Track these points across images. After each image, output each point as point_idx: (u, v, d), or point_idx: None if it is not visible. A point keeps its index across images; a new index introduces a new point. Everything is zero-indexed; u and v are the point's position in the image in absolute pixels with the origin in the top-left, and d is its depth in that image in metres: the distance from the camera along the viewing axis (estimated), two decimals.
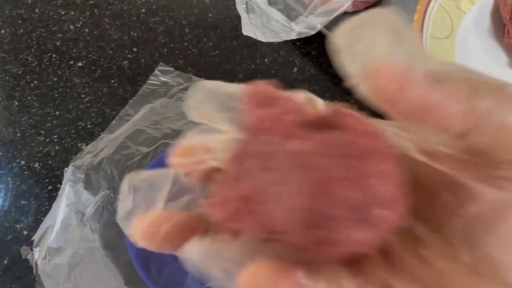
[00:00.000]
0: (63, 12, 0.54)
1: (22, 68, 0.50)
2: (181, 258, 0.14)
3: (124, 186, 0.17)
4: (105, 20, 0.53)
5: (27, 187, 0.42)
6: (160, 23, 0.52)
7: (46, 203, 0.41)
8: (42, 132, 0.45)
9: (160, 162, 0.37)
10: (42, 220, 0.38)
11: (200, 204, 0.17)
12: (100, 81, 0.48)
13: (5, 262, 0.39)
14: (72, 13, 0.54)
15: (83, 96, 0.48)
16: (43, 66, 0.50)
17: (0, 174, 0.43)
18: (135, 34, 0.51)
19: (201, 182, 0.17)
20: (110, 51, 0.50)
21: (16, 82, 0.49)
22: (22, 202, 0.42)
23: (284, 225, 0.13)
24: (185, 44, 0.50)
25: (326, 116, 0.15)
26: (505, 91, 0.12)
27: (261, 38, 0.45)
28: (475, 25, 0.45)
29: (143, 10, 0.53)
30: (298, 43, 0.49)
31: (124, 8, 0.54)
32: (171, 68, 0.47)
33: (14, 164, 0.44)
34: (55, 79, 0.49)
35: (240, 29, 0.46)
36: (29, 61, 0.50)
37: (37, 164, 0.43)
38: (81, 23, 0.53)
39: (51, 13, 0.54)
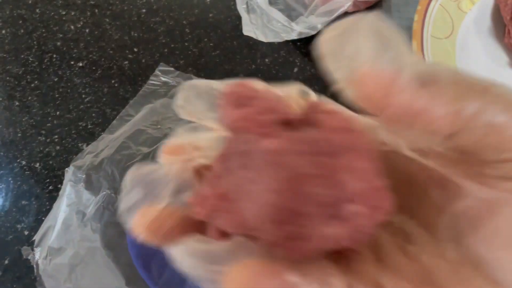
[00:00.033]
0: (64, 12, 0.54)
1: (23, 68, 0.50)
2: (170, 258, 0.15)
3: (128, 179, 0.17)
4: (106, 20, 0.53)
5: (28, 187, 0.42)
6: (161, 23, 0.52)
7: (47, 203, 0.41)
8: (43, 132, 0.45)
9: None
10: (43, 220, 0.38)
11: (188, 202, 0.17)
12: (101, 81, 0.48)
13: (6, 262, 0.39)
14: (72, 13, 0.54)
15: (83, 96, 0.48)
16: (43, 66, 0.50)
17: (1, 174, 0.43)
18: (135, 34, 0.52)
19: (192, 179, 0.18)
20: (111, 51, 0.50)
21: (16, 82, 0.49)
22: (23, 202, 0.42)
23: (255, 222, 0.13)
24: (186, 44, 0.50)
25: (303, 114, 0.15)
26: (492, 92, 0.12)
27: (262, 38, 0.45)
28: (476, 25, 0.45)
29: (144, 10, 0.53)
30: (298, 43, 0.49)
31: (125, 8, 0.54)
32: (172, 68, 0.47)
33: (15, 164, 0.44)
34: (56, 79, 0.49)
35: (241, 29, 0.46)
36: (29, 61, 0.50)
37: (38, 164, 0.44)
38: (81, 23, 0.53)
39: (52, 13, 0.54)
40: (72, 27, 0.53)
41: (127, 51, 0.50)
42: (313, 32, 0.44)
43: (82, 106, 0.47)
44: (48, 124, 0.46)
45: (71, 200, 0.37)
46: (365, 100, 0.13)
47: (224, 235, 0.15)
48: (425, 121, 0.12)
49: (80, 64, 0.50)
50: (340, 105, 0.17)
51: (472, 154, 0.13)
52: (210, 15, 0.52)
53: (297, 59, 0.48)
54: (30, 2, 0.55)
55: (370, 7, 0.49)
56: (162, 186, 0.17)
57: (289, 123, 0.15)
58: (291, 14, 0.46)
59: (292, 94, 0.17)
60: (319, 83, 0.47)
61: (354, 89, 0.13)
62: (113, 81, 0.48)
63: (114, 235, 0.36)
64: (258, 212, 0.13)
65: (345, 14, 0.46)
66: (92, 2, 0.54)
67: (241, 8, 0.46)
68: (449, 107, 0.12)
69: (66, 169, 0.39)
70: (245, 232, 0.14)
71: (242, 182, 0.14)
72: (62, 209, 0.37)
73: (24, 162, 0.44)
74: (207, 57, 0.49)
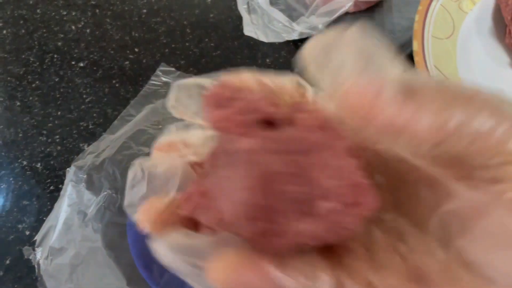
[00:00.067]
0: (65, 13, 0.54)
1: (24, 69, 0.50)
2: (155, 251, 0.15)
3: (133, 172, 0.17)
4: (107, 21, 0.53)
5: (29, 187, 0.42)
6: (162, 24, 0.52)
7: (48, 203, 0.41)
8: (44, 132, 0.45)
9: None
10: (44, 220, 0.38)
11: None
12: (102, 81, 0.49)
13: (7, 262, 0.39)
14: (73, 13, 0.54)
15: (84, 96, 0.48)
16: (44, 67, 0.50)
17: (2, 174, 0.43)
18: (136, 35, 0.52)
19: (193, 175, 0.18)
20: (112, 52, 0.51)
21: (18, 83, 0.49)
22: (24, 202, 0.42)
23: (230, 219, 0.14)
24: (187, 44, 0.50)
25: (283, 113, 0.16)
26: (477, 100, 0.12)
27: (263, 38, 0.45)
28: (477, 25, 0.45)
29: (145, 11, 0.53)
30: (299, 44, 0.49)
31: (126, 8, 0.54)
32: (173, 69, 0.47)
33: (16, 164, 0.44)
34: (57, 80, 0.49)
35: (242, 30, 0.46)
36: (30, 62, 0.50)
37: (39, 164, 0.44)
38: (82, 23, 0.53)
39: (53, 13, 0.54)
40: (73, 27, 0.53)
41: (128, 51, 0.50)
42: (314, 32, 0.44)
43: (83, 106, 0.47)
44: (49, 124, 0.46)
45: (72, 200, 0.37)
46: (349, 114, 0.13)
47: (213, 231, 0.15)
48: (410, 134, 0.12)
49: (81, 64, 0.50)
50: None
51: (460, 159, 0.13)
52: (211, 15, 0.52)
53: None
54: (31, 2, 0.55)
55: (371, 7, 0.49)
56: (166, 180, 0.17)
57: (270, 122, 0.16)
58: (292, 15, 0.46)
59: (287, 86, 0.17)
60: None
61: (338, 103, 0.13)
62: (114, 81, 0.48)
63: (115, 235, 0.36)
64: (232, 209, 0.14)
65: (346, 14, 0.46)
66: (93, 2, 0.54)
67: (242, 8, 0.46)
68: (434, 119, 0.12)
69: (67, 169, 0.39)
70: (226, 229, 0.14)
71: (221, 180, 0.15)
72: (63, 209, 0.37)
73: (25, 162, 0.44)
74: (208, 57, 0.49)
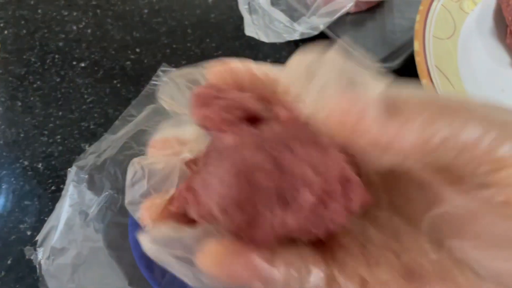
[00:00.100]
0: (66, 13, 0.54)
1: (25, 69, 0.50)
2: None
3: (132, 170, 0.17)
4: (108, 21, 0.53)
5: (30, 188, 0.42)
6: (163, 24, 0.52)
7: (50, 203, 0.41)
8: (45, 132, 0.45)
9: None
10: (45, 221, 0.38)
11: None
12: (103, 81, 0.49)
13: (9, 262, 0.39)
14: (74, 13, 0.54)
15: (86, 96, 0.48)
16: (46, 67, 0.50)
17: (4, 174, 0.43)
18: (137, 35, 0.52)
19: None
20: (113, 52, 0.51)
21: (19, 83, 0.49)
22: (26, 202, 0.42)
23: (212, 212, 0.14)
24: (188, 44, 0.51)
25: (268, 109, 0.17)
26: (464, 111, 0.12)
27: (264, 38, 0.45)
28: (478, 25, 0.45)
29: (146, 11, 0.53)
30: (300, 44, 0.49)
31: (127, 8, 0.54)
32: (174, 69, 0.47)
33: (18, 164, 0.44)
34: (58, 80, 0.49)
35: (243, 30, 0.46)
36: (32, 62, 0.50)
37: (40, 164, 0.44)
38: (83, 23, 0.53)
39: (54, 13, 0.54)
40: (74, 27, 0.53)
41: (129, 52, 0.50)
42: (315, 33, 0.44)
43: (84, 107, 0.47)
44: (51, 125, 0.46)
45: (74, 200, 0.37)
46: (333, 133, 0.13)
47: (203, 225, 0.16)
48: (395, 151, 0.12)
49: (82, 65, 0.50)
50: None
51: (448, 168, 0.13)
52: (212, 15, 0.52)
53: None
54: (32, 2, 0.55)
55: (372, 8, 0.49)
56: (165, 178, 0.17)
57: (256, 119, 0.16)
58: (293, 15, 0.46)
59: (279, 79, 0.17)
60: None
61: (323, 122, 0.13)
62: (115, 82, 0.48)
63: (116, 235, 0.36)
64: (212, 203, 0.14)
65: (347, 14, 0.46)
66: (94, 3, 0.54)
67: (243, 8, 0.46)
68: (418, 135, 0.12)
69: (69, 169, 0.39)
70: (214, 222, 0.15)
71: (207, 176, 0.15)
72: (64, 209, 0.37)
73: (26, 163, 0.44)
74: (209, 57, 0.49)
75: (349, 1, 0.44)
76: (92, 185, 0.38)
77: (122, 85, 0.48)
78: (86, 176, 0.38)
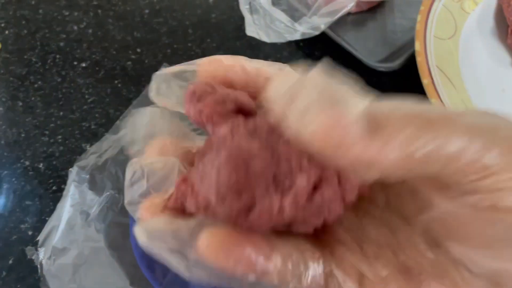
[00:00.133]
0: (67, 13, 0.54)
1: (26, 69, 0.50)
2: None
3: (131, 170, 0.17)
4: (109, 21, 0.53)
5: (31, 188, 0.42)
6: (164, 24, 0.52)
7: (51, 203, 0.41)
8: (46, 132, 0.45)
9: None
10: (46, 221, 0.38)
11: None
12: (104, 81, 0.49)
13: (10, 262, 0.39)
14: (75, 13, 0.54)
15: (86, 96, 0.48)
16: (47, 67, 0.50)
17: (5, 174, 0.43)
18: (138, 35, 0.52)
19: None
20: (114, 52, 0.51)
21: (20, 83, 0.49)
22: (27, 202, 0.42)
23: (211, 201, 0.14)
24: (189, 44, 0.51)
25: (258, 105, 0.17)
26: (449, 122, 0.12)
27: (265, 38, 0.45)
28: (479, 25, 0.45)
29: (147, 11, 0.53)
30: (301, 44, 0.49)
31: (128, 9, 0.54)
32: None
33: (19, 164, 0.44)
34: (59, 80, 0.49)
35: (243, 30, 0.46)
36: (33, 62, 0.50)
37: (41, 164, 0.44)
38: (84, 23, 0.53)
39: (55, 13, 0.54)
40: (75, 27, 0.53)
41: (130, 52, 0.50)
42: (316, 33, 0.44)
43: (85, 107, 0.47)
44: (52, 125, 0.46)
45: (75, 200, 0.37)
46: (317, 152, 0.13)
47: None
48: (379, 167, 0.13)
49: (83, 65, 0.50)
50: None
51: (434, 178, 0.13)
52: (213, 15, 0.52)
53: (300, 59, 0.48)
54: (33, 2, 0.55)
55: (373, 8, 0.49)
56: (164, 178, 0.17)
57: (248, 113, 0.17)
58: (294, 15, 0.46)
59: (272, 75, 0.17)
60: None
61: (305, 142, 0.13)
62: (116, 82, 0.48)
63: (118, 235, 0.36)
64: (210, 192, 0.14)
65: (348, 14, 0.46)
66: (95, 3, 0.54)
67: (244, 8, 0.46)
68: (401, 151, 0.12)
69: (70, 169, 0.39)
70: (212, 213, 0.15)
71: (202, 167, 0.15)
72: (66, 209, 0.37)
73: (27, 163, 0.44)
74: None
75: (350, 1, 0.44)
76: (93, 185, 0.38)
77: (123, 85, 0.48)
78: (87, 176, 0.38)
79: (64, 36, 0.52)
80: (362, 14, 0.48)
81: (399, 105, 0.13)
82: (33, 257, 0.38)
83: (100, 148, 0.40)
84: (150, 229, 0.15)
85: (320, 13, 0.44)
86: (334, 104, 0.13)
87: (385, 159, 0.12)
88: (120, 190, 0.37)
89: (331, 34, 0.46)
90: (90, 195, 0.37)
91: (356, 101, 0.13)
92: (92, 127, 0.46)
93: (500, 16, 0.45)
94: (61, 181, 0.42)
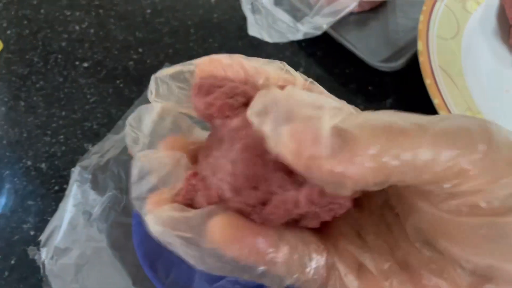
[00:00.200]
0: (69, 13, 0.54)
1: (28, 69, 0.50)
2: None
3: (138, 164, 0.17)
4: (110, 21, 0.53)
5: (33, 188, 0.42)
6: (165, 24, 0.52)
7: (53, 203, 0.41)
8: (48, 132, 0.45)
9: None
10: (48, 220, 0.38)
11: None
12: (106, 81, 0.49)
13: (12, 262, 0.39)
14: (77, 13, 0.54)
15: (88, 96, 0.48)
16: (48, 67, 0.50)
17: (7, 174, 0.43)
18: (140, 35, 0.52)
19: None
20: (116, 52, 0.51)
21: (22, 83, 0.49)
22: (29, 202, 0.42)
23: (225, 194, 0.14)
24: (190, 44, 0.51)
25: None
26: (418, 132, 0.13)
27: (267, 38, 0.45)
28: (481, 25, 0.45)
29: (148, 11, 0.53)
30: (303, 44, 0.49)
31: (129, 8, 0.54)
32: None
33: (21, 164, 0.44)
34: (61, 80, 0.49)
35: (245, 30, 0.46)
36: (34, 62, 0.50)
37: (43, 164, 0.44)
38: (86, 23, 0.53)
39: (57, 13, 0.54)
40: (77, 27, 0.53)
41: (131, 52, 0.50)
42: (319, 33, 0.44)
43: (87, 107, 0.47)
44: (53, 125, 0.46)
45: (77, 200, 0.37)
46: (292, 163, 0.13)
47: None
48: (351, 181, 0.13)
49: (85, 65, 0.50)
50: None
51: (413, 185, 0.14)
52: (215, 15, 0.52)
53: (302, 59, 0.48)
54: (35, 2, 0.55)
55: (375, 8, 0.49)
56: (172, 172, 0.17)
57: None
58: (296, 15, 0.46)
59: (271, 75, 0.18)
60: (324, 83, 0.47)
61: (280, 156, 0.13)
62: (118, 82, 0.48)
63: (120, 235, 0.36)
64: (224, 184, 0.14)
65: (351, 14, 0.46)
66: (96, 3, 0.54)
67: (246, 8, 0.46)
68: (372, 163, 0.12)
69: (72, 169, 0.39)
70: (221, 204, 0.15)
71: (214, 161, 0.15)
72: (68, 209, 0.37)
73: (29, 163, 0.44)
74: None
75: (353, 1, 0.44)
76: (96, 185, 0.38)
77: (125, 85, 0.48)
78: (90, 176, 0.38)
79: (66, 36, 0.52)
80: (364, 14, 0.48)
81: (370, 118, 0.13)
82: (35, 257, 0.38)
83: (102, 148, 0.40)
84: (163, 216, 0.15)
85: (322, 13, 0.44)
86: (306, 120, 0.13)
87: (357, 173, 0.12)
88: (122, 190, 0.37)
89: (333, 34, 0.46)
90: (92, 195, 0.37)
91: (329, 116, 0.13)
92: (94, 127, 0.46)
93: (502, 16, 0.45)
94: (63, 181, 0.42)
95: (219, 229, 0.14)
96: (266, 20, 0.45)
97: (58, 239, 0.36)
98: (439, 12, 0.42)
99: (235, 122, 0.15)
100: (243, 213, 0.14)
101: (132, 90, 0.48)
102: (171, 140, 0.18)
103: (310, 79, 0.19)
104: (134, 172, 0.17)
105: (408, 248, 0.15)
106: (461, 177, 0.13)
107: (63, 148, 0.44)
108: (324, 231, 0.16)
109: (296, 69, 0.19)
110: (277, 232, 0.14)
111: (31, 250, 0.38)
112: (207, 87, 0.17)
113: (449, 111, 0.37)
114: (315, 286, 0.15)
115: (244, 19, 0.47)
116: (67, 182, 0.39)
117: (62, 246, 0.36)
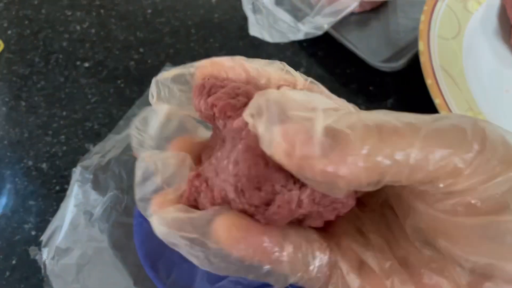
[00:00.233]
0: (69, 13, 0.54)
1: (29, 69, 0.50)
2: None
3: (143, 165, 0.17)
4: (111, 21, 0.53)
5: (34, 188, 0.42)
6: (166, 24, 0.52)
7: (54, 203, 0.41)
8: (49, 132, 0.45)
9: None
10: (50, 221, 0.38)
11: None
12: (107, 81, 0.49)
13: (13, 262, 0.39)
14: (78, 13, 0.54)
15: (89, 96, 0.48)
16: (49, 67, 0.50)
17: (8, 174, 0.43)
18: (141, 35, 0.52)
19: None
20: (117, 52, 0.51)
21: (23, 83, 0.49)
22: (30, 202, 0.42)
23: (229, 195, 0.14)
24: (191, 44, 0.51)
25: None
26: (409, 132, 0.13)
27: (268, 38, 0.45)
28: (482, 26, 0.45)
29: (149, 11, 0.53)
30: (304, 44, 0.49)
31: (130, 8, 0.54)
32: None
33: (22, 164, 0.44)
34: (62, 80, 0.49)
35: (246, 30, 0.46)
36: (35, 62, 0.50)
37: (44, 164, 0.44)
38: (87, 23, 0.53)
39: (58, 13, 0.54)
40: (77, 27, 0.53)
41: (132, 52, 0.50)
42: (320, 33, 0.44)
43: (88, 107, 0.47)
44: (55, 125, 0.46)
45: (79, 200, 0.37)
46: (285, 163, 0.13)
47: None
48: (345, 183, 0.13)
49: (86, 65, 0.50)
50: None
51: (408, 186, 0.14)
52: (216, 15, 0.52)
53: (303, 59, 0.48)
54: (36, 2, 0.55)
55: (376, 8, 0.49)
56: (177, 173, 0.17)
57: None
58: (297, 15, 0.46)
59: (272, 76, 0.18)
60: (325, 83, 0.47)
61: (273, 157, 0.13)
62: (119, 82, 0.48)
63: (121, 235, 0.36)
64: (227, 186, 0.14)
65: (351, 14, 0.46)
66: (97, 3, 0.54)
67: (247, 8, 0.46)
68: (364, 163, 0.12)
69: (73, 169, 0.39)
70: (225, 204, 0.15)
71: (217, 162, 0.15)
72: (69, 209, 0.37)
73: (30, 163, 0.44)
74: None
75: (354, 1, 0.44)
76: (97, 185, 0.38)
77: (126, 85, 0.48)
78: (91, 176, 0.38)
79: (67, 36, 0.52)
80: (365, 14, 0.48)
81: (363, 118, 0.13)
82: (36, 257, 0.38)
83: (103, 148, 0.40)
84: (168, 217, 0.15)
85: (323, 13, 0.44)
86: (299, 120, 0.13)
87: (350, 173, 0.12)
88: (123, 190, 0.37)
89: (334, 34, 0.46)
90: (94, 195, 0.37)
91: (322, 116, 0.13)
92: (95, 127, 0.46)
93: (503, 16, 0.45)
94: (64, 181, 0.42)
95: (224, 230, 0.14)
96: (267, 20, 0.45)
97: (59, 239, 0.36)
98: (440, 12, 0.42)
99: (236, 122, 0.15)
100: (247, 214, 0.14)
101: (133, 90, 0.48)
102: (179, 141, 0.18)
103: (310, 79, 0.19)
104: (138, 173, 0.17)
105: (408, 247, 0.15)
106: (455, 176, 0.13)
107: (64, 148, 0.44)
108: (326, 230, 0.16)
109: (297, 69, 0.19)
110: (281, 231, 0.15)
111: (32, 250, 0.38)
112: (209, 88, 0.16)
113: (450, 111, 0.37)
114: (318, 284, 0.15)
115: (245, 19, 0.47)
116: (68, 182, 0.39)
117: (63, 246, 0.36)
